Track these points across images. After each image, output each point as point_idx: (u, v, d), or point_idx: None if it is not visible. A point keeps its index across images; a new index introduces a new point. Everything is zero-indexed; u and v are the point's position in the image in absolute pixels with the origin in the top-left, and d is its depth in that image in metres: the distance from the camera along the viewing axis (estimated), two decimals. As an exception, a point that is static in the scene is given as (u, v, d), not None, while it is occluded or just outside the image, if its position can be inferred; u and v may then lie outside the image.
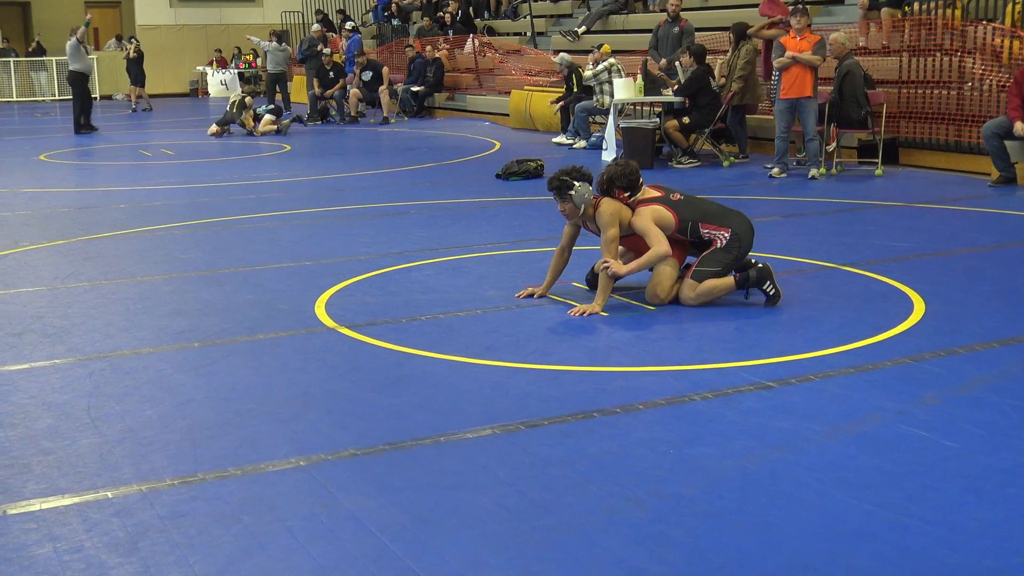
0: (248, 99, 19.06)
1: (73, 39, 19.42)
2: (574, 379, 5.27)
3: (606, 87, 14.97)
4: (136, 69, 26.45)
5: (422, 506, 3.87)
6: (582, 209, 6.53)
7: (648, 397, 4.96)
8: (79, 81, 19.52)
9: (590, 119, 15.81)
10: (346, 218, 10.14)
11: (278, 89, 22.11)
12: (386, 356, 5.71)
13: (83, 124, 19.77)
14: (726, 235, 6.47)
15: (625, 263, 6.50)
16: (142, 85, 26.93)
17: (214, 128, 18.73)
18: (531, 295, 6.75)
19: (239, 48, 31.98)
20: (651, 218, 6.46)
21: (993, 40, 12.42)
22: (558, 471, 4.16)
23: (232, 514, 3.84)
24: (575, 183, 6.50)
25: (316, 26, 24.33)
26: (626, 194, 6.57)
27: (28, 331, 6.29)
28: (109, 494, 4.04)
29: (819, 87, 12.09)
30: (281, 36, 24.99)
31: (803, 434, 4.47)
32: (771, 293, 6.46)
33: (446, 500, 3.92)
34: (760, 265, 6.51)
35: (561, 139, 16.14)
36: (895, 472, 4.07)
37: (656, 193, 6.65)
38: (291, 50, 24.86)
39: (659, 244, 6.38)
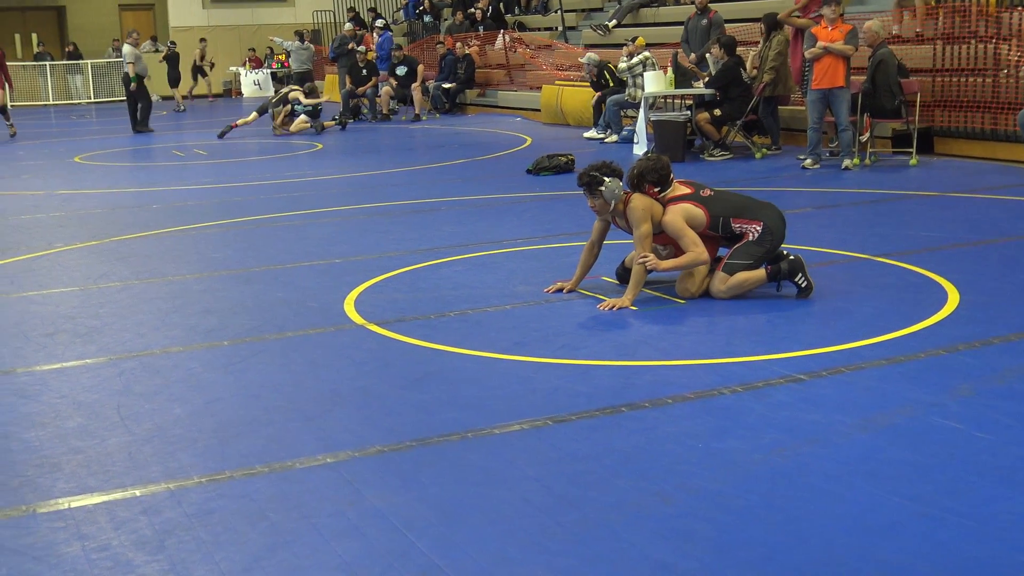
0: (293, 94, 19.05)
1: (130, 44, 19.91)
2: (603, 374, 5.24)
3: (639, 80, 14.89)
4: (172, 71, 26.81)
5: (448, 502, 3.86)
6: (612, 205, 6.49)
7: (677, 391, 4.92)
8: (140, 83, 20.06)
9: (622, 113, 15.75)
10: (377, 215, 10.15)
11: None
12: (414, 353, 5.70)
13: (140, 123, 20.37)
14: (758, 228, 6.41)
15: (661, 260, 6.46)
16: (176, 86, 27.25)
17: (253, 116, 18.88)
18: (560, 290, 6.73)
19: (271, 48, 32.11)
20: (683, 218, 6.41)
21: (1028, 26, 12.25)
22: (585, 466, 4.13)
23: (259, 511, 3.85)
24: (605, 179, 6.46)
25: (348, 24, 24.40)
26: (656, 189, 6.53)
27: (60, 331, 6.34)
28: (137, 492, 4.06)
29: (852, 77, 11.97)
30: (303, 35, 25.10)
31: (833, 427, 4.42)
32: (803, 285, 6.40)
33: (472, 496, 3.91)
34: (792, 257, 6.45)
35: (592, 133, 16.10)
36: (926, 464, 4.02)
37: (686, 189, 6.60)
38: (314, 49, 24.98)
39: (696, 249, 6.34)
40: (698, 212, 6.44)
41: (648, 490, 3.89)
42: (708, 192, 6.60)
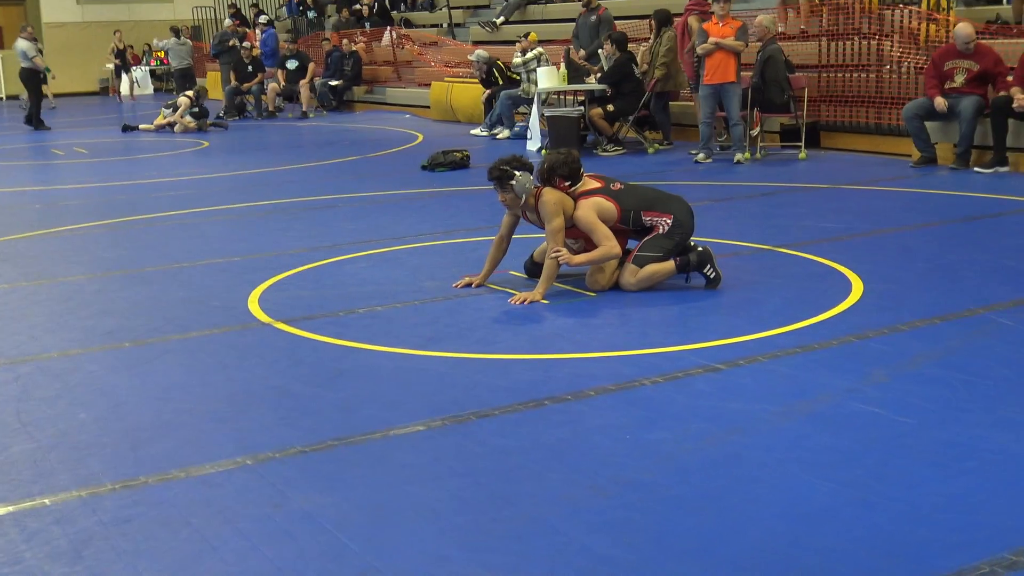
0: (182, 99, 18.59)
1: (26, 39, 19.26)
2: (521, 367, 5.19)
3: (533, 75, 14.91)
4: None
5: (378, 502, 3.76)
6: (523, 199, 6.44)
7: (598, 383, 4.89)
8: (32, 78, 19.53)
9: (514, 109, 15.72)
10: (272, 212, 9.94)
11: (187, 85, 21.69)
12: (326, 350, 5.57)
13: (37, 121, 19.81)
14: (668, 221, 6.43)
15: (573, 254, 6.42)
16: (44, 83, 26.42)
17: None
18: (469, 284, 6.65)
19: (149, 45, 31.32)
20: (595, 212, 6.39)
21: (910, 23, 12.58)
22: (515, 461, 4.07)
23: (179, 518, 3.69)
24: (516, 173, 6.41)
25: (228, 20, 23.92)
26: (567, 183, 6.49)
27: (-52, 336, 6.04)
28: (47, 501, 3.86)
29: (741, 73, 12.13)
30: (179, 31, 24.48)
31: (757, 415, 4.43)
32: (711, 276, 6.44)
33: (402, 495, 3.81)
34: (700, 249, 6.48)
35: (478, 131, 15.96)
36: (853, 450, 4.05)
37: (596, 183, 6.58)
38: (192, 44, 24.43)
39: (608, 243, 6.32)
40: (609, 206, 6.42)
41: (581, 483, 3.84)
42: (618, 186, 6.59)
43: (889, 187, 10.20)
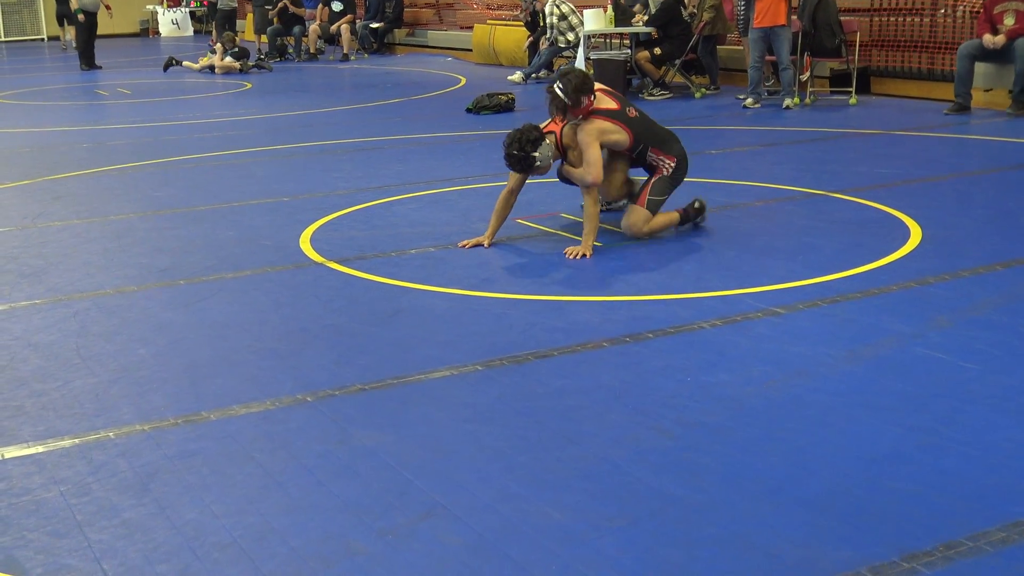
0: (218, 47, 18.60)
1: None
2: (578, 309, 5.15)
3: (562, 25, 14.86)
4: (62, 6, 25.89)
5: (440, 439, 3.75)
6: (550, 162, 6.28)
7: (656, 326, 4.85)
8: (87, 18, 19.26)
9: (557, 56, 15.58)
10: (319, 154, 9.90)
11: (227, 26, 21.60)
12: (380, 290, 5.55)
13: (86, 61, 19.70)
14: (671, 164, 6.33)
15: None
16: (71, 23, 26.47)
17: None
18: (479, 245, 6.29)
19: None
20: (596, 137, 6.11)
21: (966, -34, 12.30)
22: (575, 401, 4.04)
23: (243, 452, 3.70)
24: (534, 154, 6.12)
25: None
26: (592, 98, 6.18)
27: (4, 271, 6.06)
28: (111, 434, 3.88)
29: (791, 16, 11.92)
30: None
31: (820, 359, 4.38)
32: (700, 223, 6.55)
33: (464, 433, 3.80)
34: (697, 202, 6.53)
35: (517, 76, 15.66)
36: (920, 395, 3.99)
37: (612, 104, 6.27)
38: None
39: (593, 171, 6.04)
40: (619, 132, 6.20)
41: (644, 424, 3.82)
42: (634, 113, 6.34)
43: (943, 133, 10.03)
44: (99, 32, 20.07)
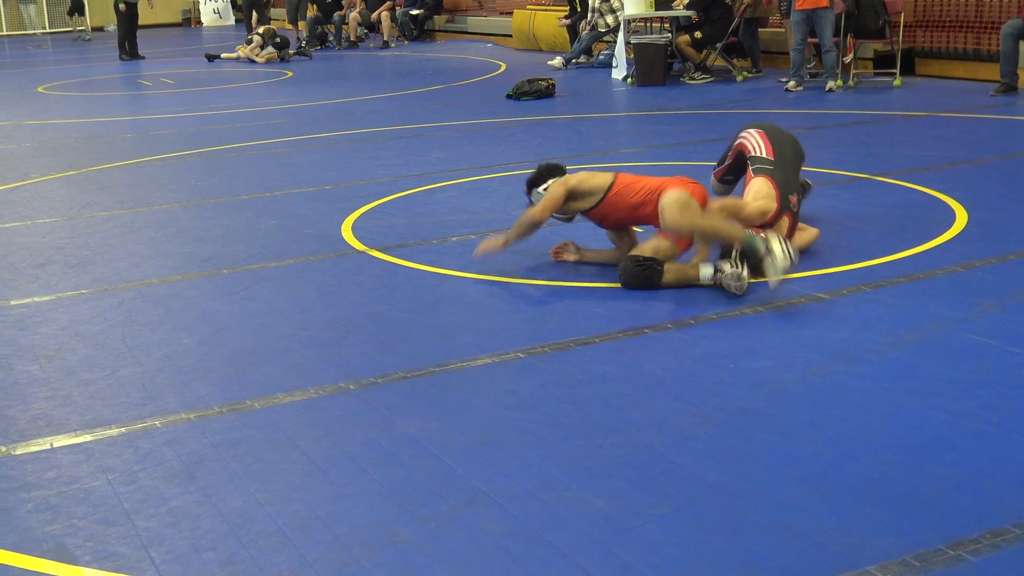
0: (256, 38, 18.69)
1: None
2: (618, 296, 5.14)
3: (603, 7, 14.83)
4: None
5: (483, 427, 3.76)
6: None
7: (698, 312, 4.83)
8: (128, 8, 19.42)
9: (597, 41, 15.53)
10: (360, 142, 9.94)
11: (260, 17, 21.75)
12: (422, 278, 5.57)
13: (128, 52, 19.85)
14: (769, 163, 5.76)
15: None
16: (82, 14, 26.85)
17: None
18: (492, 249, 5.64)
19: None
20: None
21: (1013, -57, 12.11)
22: (617, 388, 4.04)
23: (288, 440, 3.73)
24: (537, 189, 5.63)
25: None
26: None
27: (51, 262, 6.14)
28: (157, 423, 3.93)
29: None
30: None
31: (864, 344, 4.35)
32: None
33: (506, 420, 3.81)
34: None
35: (556, 61, 15.58)
36: (965, 380, 3.95)
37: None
38: None
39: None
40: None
41: (686, 411, 3.81)
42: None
43: (989, 115, 9.89)
44: (141, 23, 20.22)
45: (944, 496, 3.14)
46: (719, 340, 4.50)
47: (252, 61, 18.39)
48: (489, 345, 4.54)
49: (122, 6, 19.17)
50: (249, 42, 18.75)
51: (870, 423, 3.65)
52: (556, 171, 5.63)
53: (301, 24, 21.52)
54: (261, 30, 18.78)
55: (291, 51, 18.65)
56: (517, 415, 3.85)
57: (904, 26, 12.21)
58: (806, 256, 5.59)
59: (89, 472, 3.58)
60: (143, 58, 19.88)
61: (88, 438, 3.83)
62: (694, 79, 13.21)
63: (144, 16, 20.77)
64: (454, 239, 6.24)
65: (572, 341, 4.54)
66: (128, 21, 19.66)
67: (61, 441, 3.82)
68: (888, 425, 3.62)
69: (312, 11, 21.04)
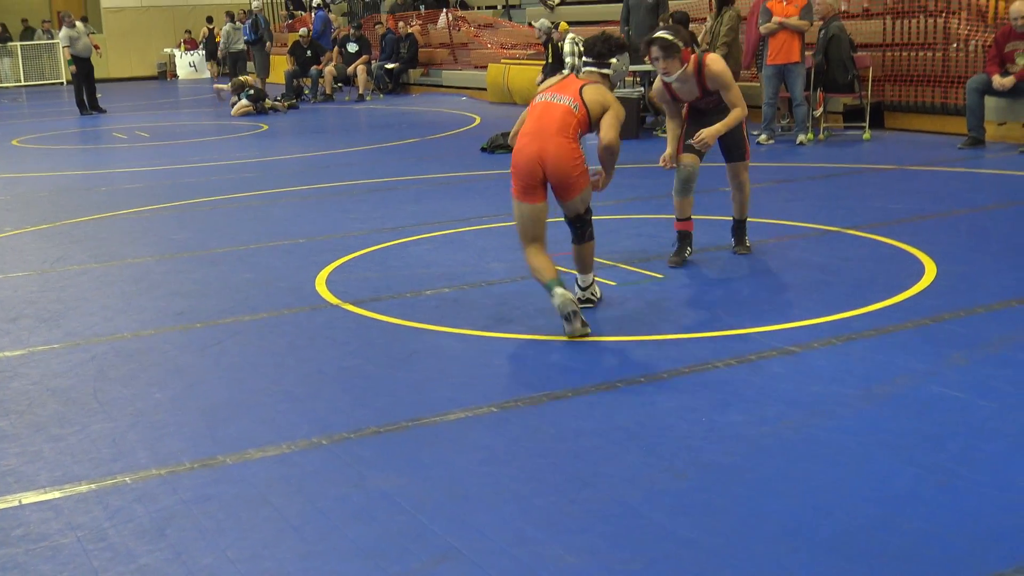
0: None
1: (66, 27, 19.40)
2: (592, 349, 5.16)
3: (578, 62, 14.93)
4: None
5: (456, 482, 3.75)
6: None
7: (671, 365, 4.85)
8: (79, 64, 19.53)
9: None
10: (334, 195, 9.97)
11: (239, 68, 21.97)
12: (396, 332, 5.57)
13: (88, 106, 19.86)
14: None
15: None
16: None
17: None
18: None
19: (209, 29, 31.52)
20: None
21: (978, 0, 12.34)
22: (591, 442, 4.04)
23: (259, 496, 3.71)
24: (611, 60, 5.88)
25: (255, 3, 23.97)
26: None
27: (22, 316, 6.11)
28: (128, 479, 3.90)
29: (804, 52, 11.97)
30: (234, 16, 24.82)
31: (835, 398, 4.37)
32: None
33: (480, 476, 3.80)
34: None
35: None
36: (936, 433, 3.98)
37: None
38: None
39: (742, 102, 6.45)
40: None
41: (659, 466, 3.81)
42: None
43: (957, 168, 10.03)
44: (116, 75, 20.30)
45: (916, 550, 3.15)
46: (692, 394, 4.52)
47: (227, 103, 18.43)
48: (463, 399, 4.54)
49: (72, 67, 19.34)
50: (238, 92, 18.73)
51: (842, 476, 3.66)
52: (619, 48, 5.84)
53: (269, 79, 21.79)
54: (231, 81, 18.85)
55: (275, 101, 18.65)
56: (491, 470, 3.84)
57: (873, 80, 12.41)
58: (777, 309, 5.63)
59: (58, 529, 3.54)
60: (104, 111, 19.86)
61: (57, 495, 3.80)
62: (666, 132, 13.30)
63: (120, 69, 20.93)
64: (428, 292, 6.25)
65: (546, 395, 4.54)
66: (81, 77, 19.70)
67: (30, 498, 3.79)
68: (860, 479, 3.64)
69: (289, 64, 21.16)
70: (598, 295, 5.87)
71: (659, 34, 6.37)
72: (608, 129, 5.54)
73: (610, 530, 3.35)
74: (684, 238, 6.65)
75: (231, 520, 3.55)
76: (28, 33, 31.29)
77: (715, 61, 6.40)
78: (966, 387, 4.43)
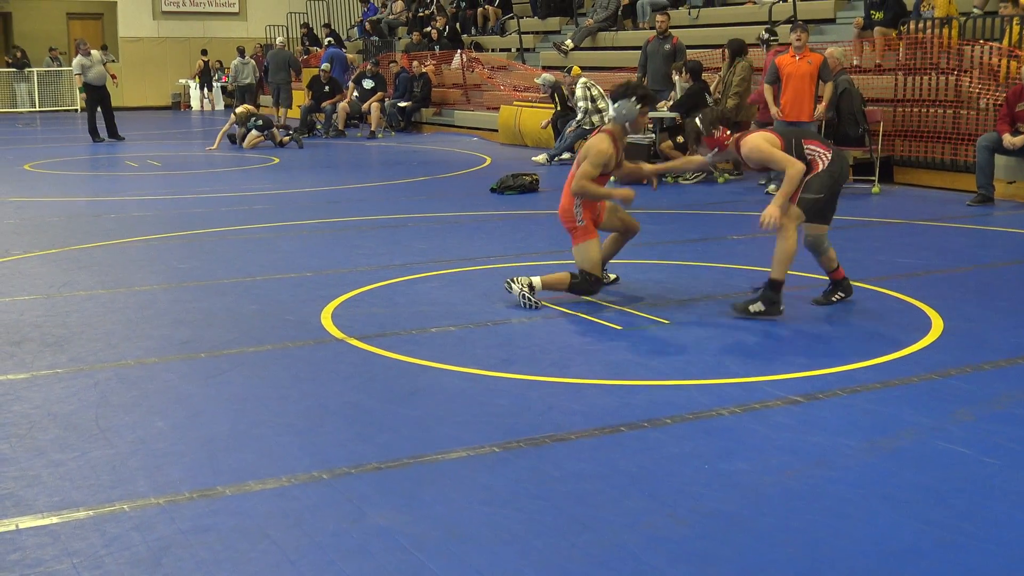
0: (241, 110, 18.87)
1: (81, 55, 19.51)
2: (596, 392, 5.15)
3: (591, 107, 14.99)
4: None
5: (455, 521, 3.73)
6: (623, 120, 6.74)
7: (675, 411, 4.84)
8: (91, 91, 19.69)
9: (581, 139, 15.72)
10: (344, 230, 9.99)
11: (248, 101, 22.20)
12: (400, 368, 5.56)
13: (108, 133, 20.00)
14: (828, 155, 6.47)
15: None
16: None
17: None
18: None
19: (221, 62, 31.79)
20: (767, 141, 6.41)
21: (990, 60, 12.41)
22: (592, 486, 4.02)
23: (258, 529, 3.69)
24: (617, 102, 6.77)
25: (279, 39, 24.30)
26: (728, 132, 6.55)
27: (27, 339, 6.11)
28: (126, 507, 3.88)
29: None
30: (243, 51, 25.16)
31: (839, 450, 4.35)
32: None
33: (479, 515, 3.78)
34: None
35: (541, 157, 15.72)
36: (940, 489, 3.96)
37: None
38: (255, 63, 24.95)
39: (791, 162, 6.30)
40: (773, 137, 6.49)
41: (660, 511, 3.79)
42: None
43: (966, 224, 10.04)
44: (130, 104, 20.44)
45: (917, 606, 3.13)
46: (695, 440, 4.50)
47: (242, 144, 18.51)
48: (465, 438, 4.52)
49: (83, 94, 19.57)
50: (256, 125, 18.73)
51: (845, 529, 3.63)
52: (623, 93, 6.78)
53: (281, 111, 21.92)
54: (238, 110, 18.87)
55: (284, 136, 18.69)
56: (491, 510, 3.82)
57: (883, 135, 12.46)
58: (782, 358, 5.62)
59: (54, 555, 3.52)
60: (122, 139, 19.97)
61: (55, 520, 3.78)
62: (686, 179, 13.35)
63: (135, 98, 21.05)
64: (433, 330, 6.25)
65: (548, 437, 4.53)
66: (93, 105, 19.81)
67: (27, 522, 3.77)
68: (863, 532, 3.61)
69: (307, 98, 21.30)
70: (514, 291, 6.71)
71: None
72: (573, 180, 6.67)
73: (608, 575, 3.33)
74: (835, 284, 6.78)
75: (228, 552, 3.53)
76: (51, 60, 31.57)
77: (751, 148, 6.40)
78: (971, 443, 4.41)
